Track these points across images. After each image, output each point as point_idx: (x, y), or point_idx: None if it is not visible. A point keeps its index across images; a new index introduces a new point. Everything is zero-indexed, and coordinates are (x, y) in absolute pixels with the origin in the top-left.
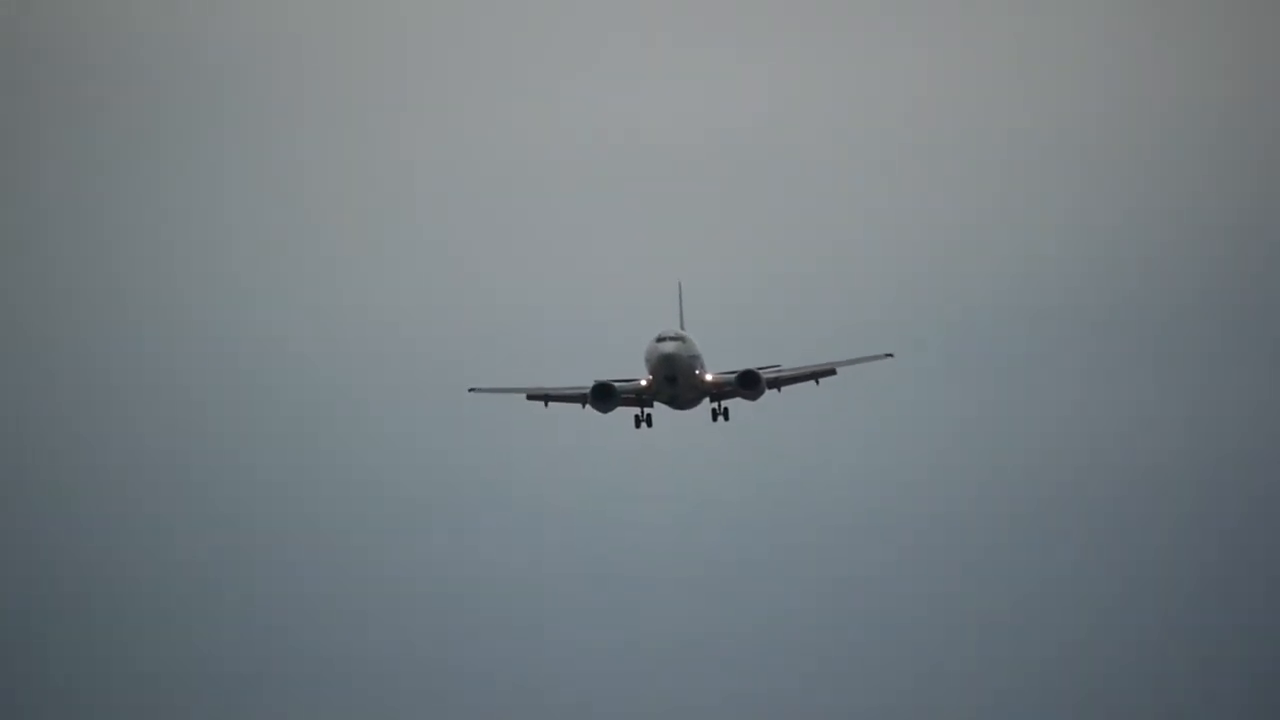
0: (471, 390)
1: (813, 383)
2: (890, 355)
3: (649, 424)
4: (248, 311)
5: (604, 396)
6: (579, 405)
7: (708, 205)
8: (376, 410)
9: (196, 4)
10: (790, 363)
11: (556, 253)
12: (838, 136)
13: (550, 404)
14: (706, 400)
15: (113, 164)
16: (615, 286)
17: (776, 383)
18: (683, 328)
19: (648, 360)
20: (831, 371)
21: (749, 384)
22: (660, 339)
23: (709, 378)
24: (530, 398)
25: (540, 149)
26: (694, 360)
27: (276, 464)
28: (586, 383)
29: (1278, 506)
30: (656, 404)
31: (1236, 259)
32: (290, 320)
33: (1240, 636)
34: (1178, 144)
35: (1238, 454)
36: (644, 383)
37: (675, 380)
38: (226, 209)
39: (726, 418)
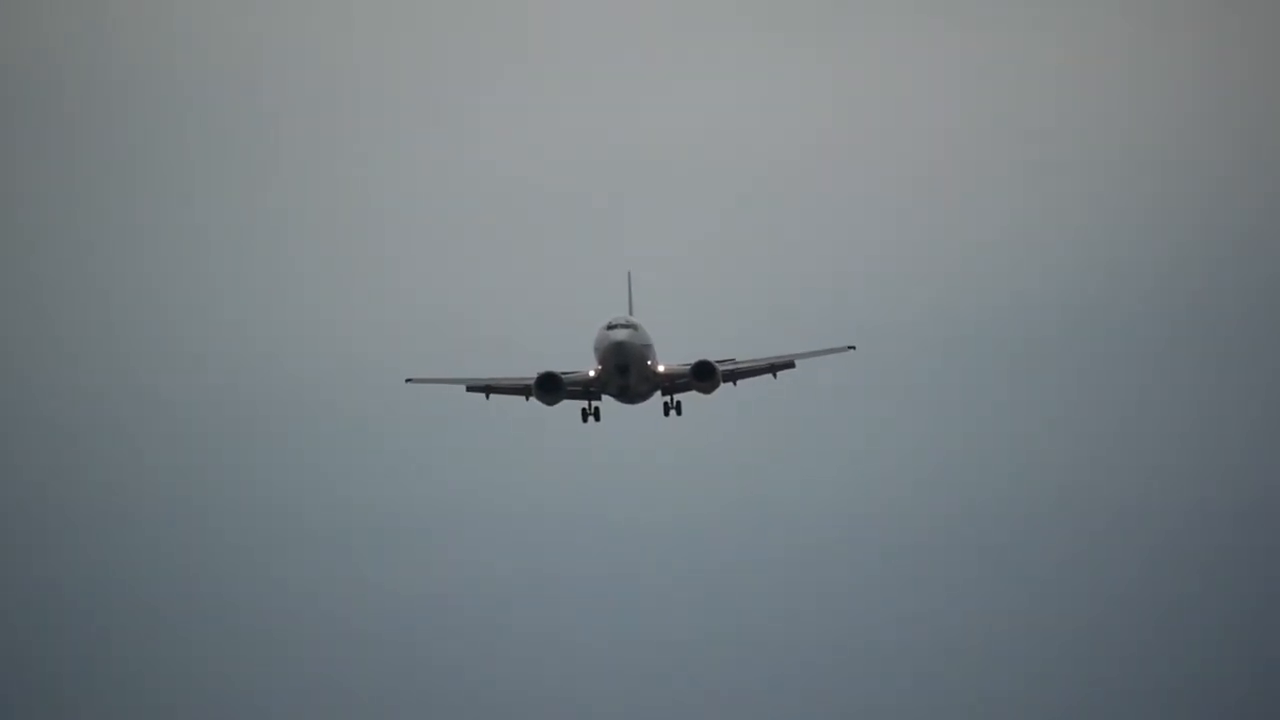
0: (409, 380)
1: (770, 376)
2: (852, 348)
3: (597, 418)
4: (179, 304)
5: (550, 388)
6: (522, 398)
7: (659, 197)
8: (313, 400)
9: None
10: (746, 356)
11: (502, 240)
12: (794, 132)
13: (492, 396)
14: (658, 393)
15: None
16: (562, 276)
17: (732, 375)
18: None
19: (597, 349)
20: (790, 364)
21: (704, 375)
22: (611, 326)
23: (661, 369)
24: (471, 389)
25: (488, 139)
26: (646, 349)
27: (205, 461)
28: (530, 373)
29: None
30: (605, 397)
31: (1240, 263)
32: (233, 312)
33: (1234, 641)
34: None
35: (1233, 456)
36: (592, 373)
37: (627, 370)
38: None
39: (679, 412)
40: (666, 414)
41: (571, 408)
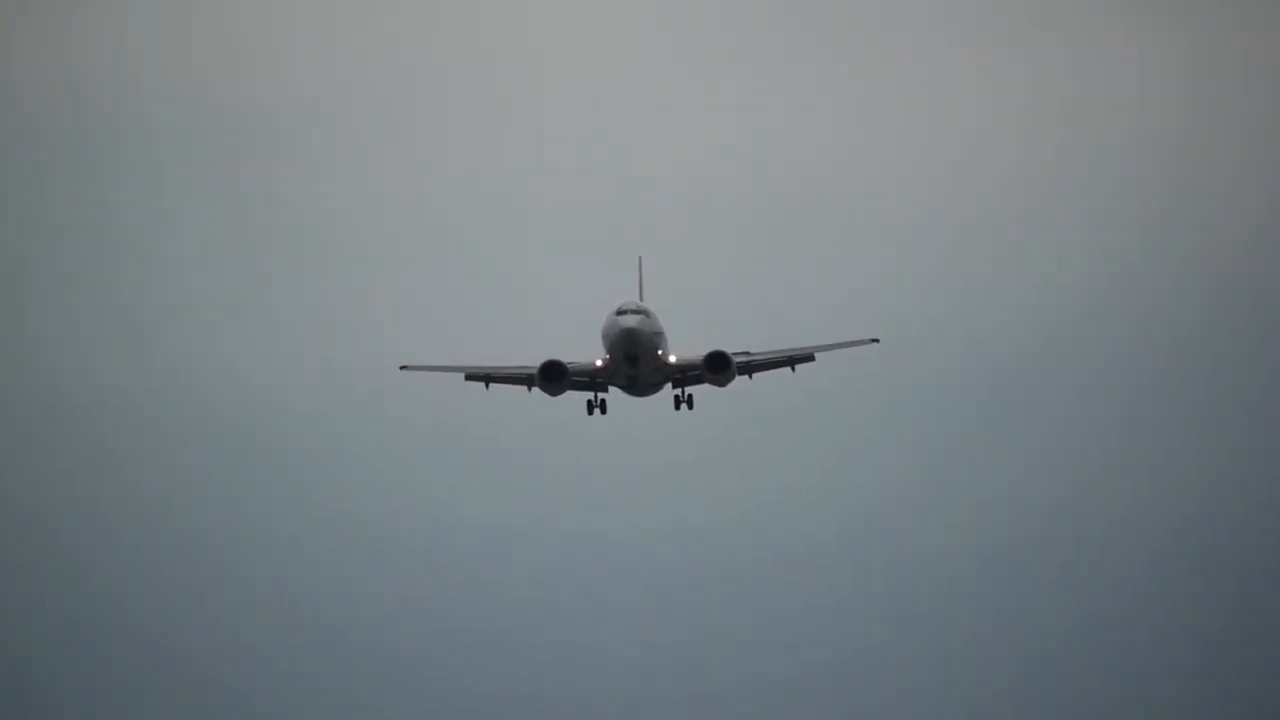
0: (403, 368)
1: (788, 369)
2: (876, 341)
3: (603, 411)
4: (166, 284)
5: (554, 377)
6: (524, 388)
7: (679, 194)
8: (308, 386)
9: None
10: (764, 349)
11: (506, 225)
12: (818, 134)
13: (492, 385)
14: (669, 386)
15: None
16: (570, 263)
17: (748, 368)
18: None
19: (605, 336)
20: (810, 357)
21: (718, 367)
22: (620, 311)
23: (673, 359)
24: (470, 378)
25: (503, 126)
26: (657, 337)
27: (190, 451)
28: (532, 362)
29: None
30: (612, 388)
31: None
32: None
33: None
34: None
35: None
36: (600, 363)
37: (636, 360)
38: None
39: (691, 405)
40: (677, 407)
41: (577, 399)
